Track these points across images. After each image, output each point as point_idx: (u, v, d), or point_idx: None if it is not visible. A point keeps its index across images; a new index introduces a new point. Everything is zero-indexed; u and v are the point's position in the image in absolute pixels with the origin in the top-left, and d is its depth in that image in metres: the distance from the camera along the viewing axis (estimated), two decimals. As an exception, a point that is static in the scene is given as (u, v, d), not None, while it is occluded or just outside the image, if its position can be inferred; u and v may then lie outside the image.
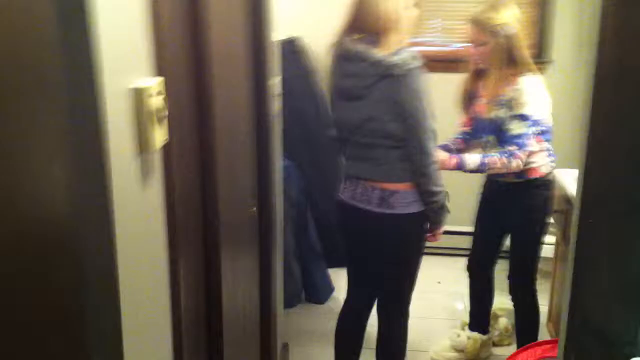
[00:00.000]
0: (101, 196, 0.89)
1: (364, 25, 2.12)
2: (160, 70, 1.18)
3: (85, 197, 0.82)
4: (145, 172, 1.15)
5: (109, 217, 0.92)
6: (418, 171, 2.15)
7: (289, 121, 3.23)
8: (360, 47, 2.11)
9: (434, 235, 2.37)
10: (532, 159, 2.49)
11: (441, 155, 2.40)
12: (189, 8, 1.38)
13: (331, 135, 2.41)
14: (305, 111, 3.59)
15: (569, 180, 2.67)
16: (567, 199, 2.67)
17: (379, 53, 2.08)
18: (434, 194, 2.18)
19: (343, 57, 2.18)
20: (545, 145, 2.53)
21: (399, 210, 2.21)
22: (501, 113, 2.46)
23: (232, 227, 1.84)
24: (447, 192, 2.25)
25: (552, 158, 2.58)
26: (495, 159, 2.42)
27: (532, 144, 2.44)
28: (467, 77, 2.65)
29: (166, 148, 1.24)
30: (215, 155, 1.57)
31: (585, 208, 2.10)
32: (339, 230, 2.48)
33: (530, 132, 2.40)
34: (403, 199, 2.20)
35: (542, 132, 2.48)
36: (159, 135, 1.17)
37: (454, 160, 2.44)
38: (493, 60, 2.43)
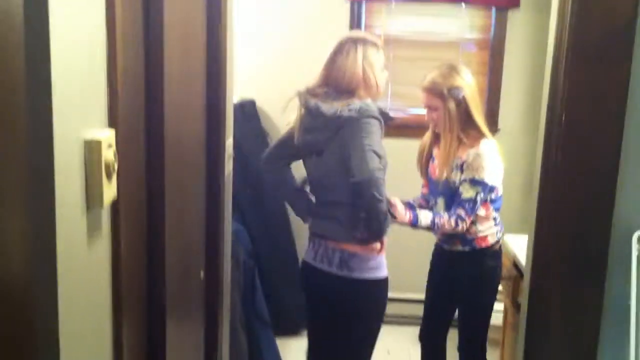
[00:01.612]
0: (49, 252, 0.82)
1: (334, 84, 2.12)
2: (111, 122, 1.13)
3: (35, 252, 0.76)
4: (92, 230, 1.08)
5: (54, 274, 0.84)
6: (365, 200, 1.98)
7: (240, 182, 3.18)
8: (316, 102, 2.10)
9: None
10: (480, 227, 2.48)
11: (400, 208, 2.37)
12: (146, 60, 1.34)
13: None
14: (258, 173, 3.55)
15: (516, 246, 2.68)
16: (515, 265, 2.68)
17: (334, 107, 2.06)
18: (378, 200, 1.99)
19: (306, 112, 2.17)
20: (493, 214, 2.52)
21: (358, 275, 2.13)
22: (453, 176, 2.47)
23: (179, 292, 1.74)
24: (389, 200, 2.16)
25: (499, 228, 2.57)
26: (445, 219, 2.41)
27: (480, 210, 2.44)
28: (425, 140, 2.68)
29: (114, 205, 1.17)
30: (164, 216, 1.50)
31: (536, 274, 2.09)
32: (303, 293, 2.37)
33: (479, 198, 2.40)
34: (363, 262, 2.13)
35: (492, 200, 2.49)
36: (108, 191, 1.10)
37: (408, 215, 2.41)
38: (444, 124, 2.46)
